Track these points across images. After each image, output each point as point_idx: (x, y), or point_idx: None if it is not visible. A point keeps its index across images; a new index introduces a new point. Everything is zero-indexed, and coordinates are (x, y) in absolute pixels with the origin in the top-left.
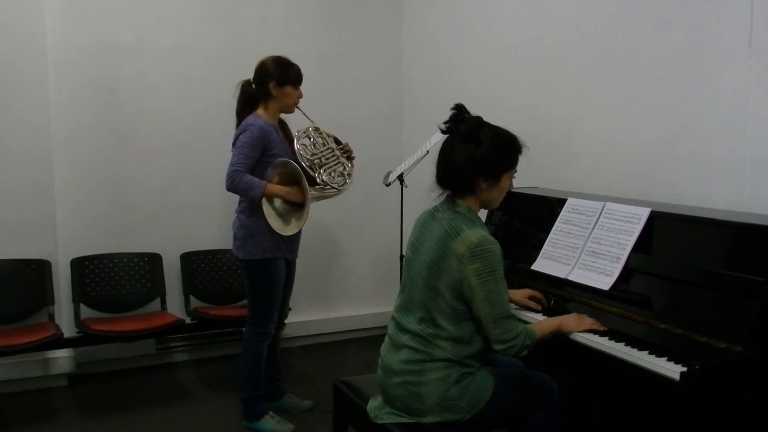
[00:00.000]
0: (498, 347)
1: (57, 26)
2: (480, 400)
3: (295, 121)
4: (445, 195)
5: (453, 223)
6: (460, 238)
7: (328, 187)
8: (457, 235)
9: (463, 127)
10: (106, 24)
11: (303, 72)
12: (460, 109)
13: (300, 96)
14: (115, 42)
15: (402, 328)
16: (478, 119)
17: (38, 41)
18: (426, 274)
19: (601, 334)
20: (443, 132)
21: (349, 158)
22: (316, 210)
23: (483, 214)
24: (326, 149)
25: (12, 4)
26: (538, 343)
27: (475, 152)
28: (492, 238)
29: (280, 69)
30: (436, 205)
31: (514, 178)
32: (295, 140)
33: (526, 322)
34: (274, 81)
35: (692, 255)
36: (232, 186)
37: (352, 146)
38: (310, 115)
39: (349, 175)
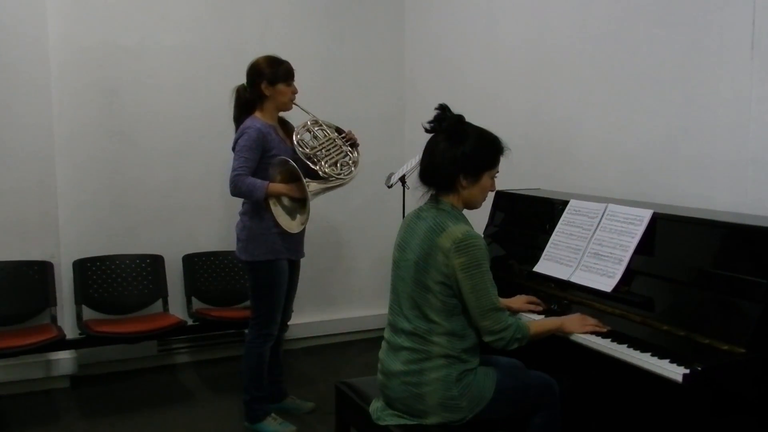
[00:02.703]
0: (487, 339)
1: (60, 27)
2: (481, 400)
3: (297, 118)
4: (429, 195)
5: (438, 220)
6: (446, 233)
7: (332, 178)
8: (442, 230)
9: (446, 125)
10: (109, 25)
11: (306, 74)
12: (443, 109)
13: (294, 92)
14: (117, 43)
15: (396, 330)
16: (460, 117)
17: (41, 43)
18: (414, 272)
19: (604, 335)
20: (427, 131)
21: (353, 146)
22: (318, 211)
23: (470, 215)
24: (327, 140)
25: (15, 6)
26: (534, 340)
27: (456, 149)
28: (477, 233)
29: (269, 68)
30: (420, 206)
31: (495, 178)
32: (294, 135)
33: None
34: (266, 81)
35: (695, 257)
36: (236, 190)
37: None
38: (309, 110)
39: (354, 163)
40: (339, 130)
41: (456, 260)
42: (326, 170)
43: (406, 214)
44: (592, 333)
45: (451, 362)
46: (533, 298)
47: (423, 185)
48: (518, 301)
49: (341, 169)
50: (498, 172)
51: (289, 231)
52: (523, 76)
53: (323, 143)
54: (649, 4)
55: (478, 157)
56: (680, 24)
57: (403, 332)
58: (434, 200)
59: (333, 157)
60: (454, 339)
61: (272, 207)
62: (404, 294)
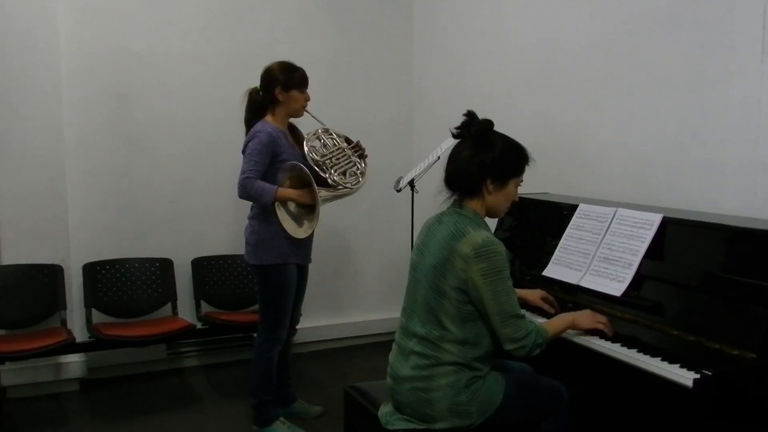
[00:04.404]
0: (509, 346)
1: (70, 33)
2: (491, 406)
3: (306, 125)
4: (451, 200)
5: (458, 225)
6: (466, 239)
7: (340, 187)
8: (462, 236)
9: (475, 130)
10: (119, 31)
11: (314, 78)
12: (471, 116)
13: (307, 99)
14: (127, 49)
15: (408, 333)
16: (490, 122)
17: (52, 48)
18: (432, 276)
19: (613, 340)
20: (454, 136)
21: (362, 156)
22: (326, 215)
23: (491, 223)
24: (337, 149)
25: (26, 12)
26: (552, 341)
27: (485, 153)
28: (497, 239)
29: (284, 74)
30: (442, 211)
31: (519, 186)
32: (305, 143)
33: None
34: (280, 86)
35: (705, 261)
36: (244, 193)
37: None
38: (320, 118)
39: (362, 174)
40: (348, 140)
41: (476, 266)
42: (335, 178)
43: (427, 218)
44: (601, 337)
45: (460, 369)
46: (550, 297)
47: (447, 190)
48: (535, 294)
49: (349, 179)
50: (522, 181)
51: (294, 236)
52: (532, 80)
53: (333, 152)
54: (659, 8)
55: (507, 163)
56: (690, 27)
57: (414, 336)
58: (457, 205)
59: (342, 166)
60: (466, 347)
61: (278, 211)
62: (420, 298)
